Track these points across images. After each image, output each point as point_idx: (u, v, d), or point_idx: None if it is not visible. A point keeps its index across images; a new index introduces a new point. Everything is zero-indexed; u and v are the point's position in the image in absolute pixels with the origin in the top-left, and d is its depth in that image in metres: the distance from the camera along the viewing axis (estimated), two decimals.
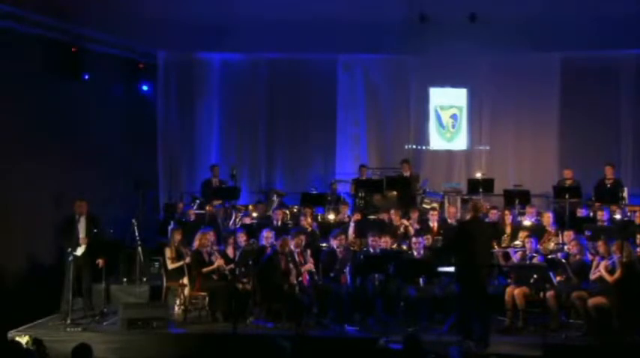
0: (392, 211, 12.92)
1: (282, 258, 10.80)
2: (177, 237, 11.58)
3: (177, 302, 11.42)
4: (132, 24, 13.24)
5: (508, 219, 12.88)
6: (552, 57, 15.45)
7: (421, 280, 10.93)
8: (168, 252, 11.46)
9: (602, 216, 12.48)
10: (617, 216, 12.89)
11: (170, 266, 11.40)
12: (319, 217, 13.69)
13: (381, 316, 10.44)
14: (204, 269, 11.06)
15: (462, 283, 9.61)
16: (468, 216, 9.99)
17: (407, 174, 14.56)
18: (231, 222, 13.03)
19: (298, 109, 16.07)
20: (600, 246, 10.49)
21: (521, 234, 11.74)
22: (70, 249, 10.92)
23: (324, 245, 12.00)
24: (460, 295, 9.74)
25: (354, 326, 10.35)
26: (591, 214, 12.94)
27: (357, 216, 12.78)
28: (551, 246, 11.65)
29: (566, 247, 11.22)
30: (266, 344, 6.75)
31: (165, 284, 11.43)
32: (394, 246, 11.74)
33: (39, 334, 9.93)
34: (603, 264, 10.15)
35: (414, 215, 12.98)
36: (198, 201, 14.41)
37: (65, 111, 12.81)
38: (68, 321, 10.71)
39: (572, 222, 12.12)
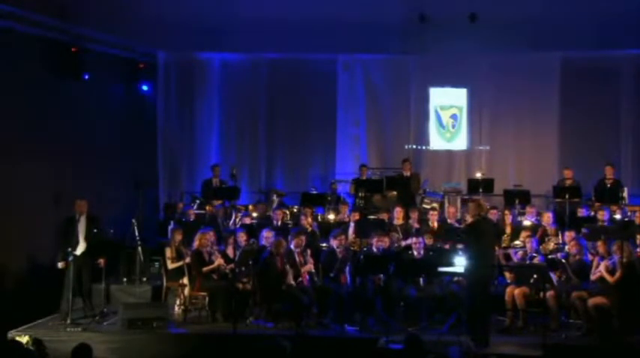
0: (396, 209, 12.91)
1: (278, 259, 10.80)
2: (178, 237, 11.58)
3: (177, 302, 11.42)
4: (132, 24, 13.25)
5: (508, 219, 12.89)
6: (552, 57, 15.45)
7: (421, 280, 10.94)
8: (168, 252, 11.47)
9: (602, 216, 12.49)
10: (617, 216, 12.90)
11: (170, 266, 11.40)
12: (319, 217, 13.70)
13: (381, 316, 10.44)
14: (205, 269, 11.06)
15: (472, 282, 9.58)
16: (471, 216, 9.96)
17: (407, 173, 14.58)
18: (231, 222, 13.03)
19: (298, 109, 16.07)
20: (600, 246, 10.49)
21: (523, 234, 11.75)
22: (70, 249, 10.93)
23: (324, 245, 12.01)
24: (468, 294, 9.69)
25: (354, 326, 10.36)
26: (591, 214, 12.95)
27: (355, 216, 12.79)
28: (551, 246, 11.65)
29: (566, 247, 11.23)
30: (266, 344, 6.74)
31: (165, 284, 11.43)
32: (400, 243, 11.81)
33: (39, 334, 9.93)
34: (604, 264, 10.15)
35: (414, 215, 12.99)
36: (198, 201, 14.41)
37: (65, 111, 12.81)
38: (68, 321, 10.71)
39: (572, 222, 12.12)
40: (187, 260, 11.26)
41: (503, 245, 12.01)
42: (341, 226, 12.46)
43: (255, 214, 13.79)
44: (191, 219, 13.42)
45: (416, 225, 12.72)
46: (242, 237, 11.70)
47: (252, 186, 15.87)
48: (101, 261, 11.25)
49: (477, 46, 14.36)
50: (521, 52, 14.95)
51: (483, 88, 15.90)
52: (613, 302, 9.79)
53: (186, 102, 15.97)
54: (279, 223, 12.66)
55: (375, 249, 11.19)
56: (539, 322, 10.19)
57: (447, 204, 14.41)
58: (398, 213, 12.79)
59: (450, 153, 16.18)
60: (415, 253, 11.33)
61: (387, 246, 11.36)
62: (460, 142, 16.16)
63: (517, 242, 11.87)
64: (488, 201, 13.87)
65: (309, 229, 12.40)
